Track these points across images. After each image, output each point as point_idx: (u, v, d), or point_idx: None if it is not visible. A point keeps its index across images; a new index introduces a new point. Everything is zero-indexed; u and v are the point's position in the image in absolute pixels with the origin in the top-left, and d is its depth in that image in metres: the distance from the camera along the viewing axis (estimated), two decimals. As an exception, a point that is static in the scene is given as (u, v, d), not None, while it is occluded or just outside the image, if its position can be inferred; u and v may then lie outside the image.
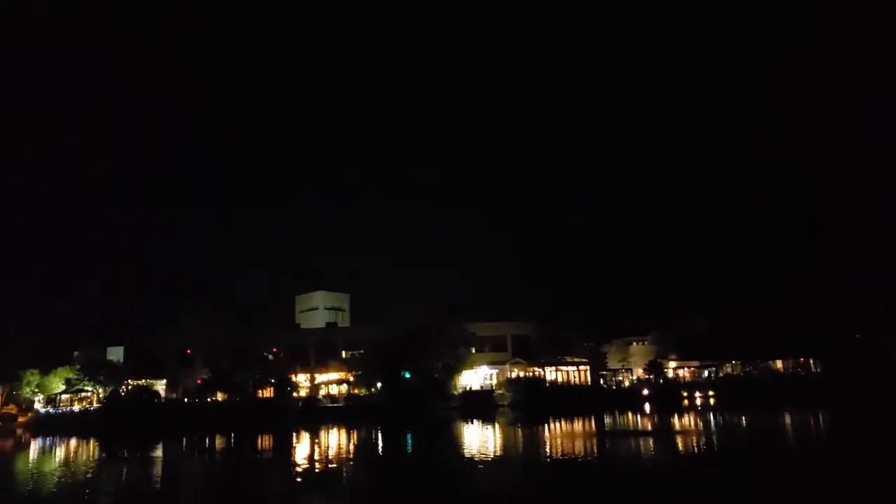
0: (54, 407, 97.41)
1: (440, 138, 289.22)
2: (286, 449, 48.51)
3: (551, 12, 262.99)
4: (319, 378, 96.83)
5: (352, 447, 47.24)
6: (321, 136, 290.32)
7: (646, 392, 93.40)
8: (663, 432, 48.56)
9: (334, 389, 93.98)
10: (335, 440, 52.74)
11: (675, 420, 59.52)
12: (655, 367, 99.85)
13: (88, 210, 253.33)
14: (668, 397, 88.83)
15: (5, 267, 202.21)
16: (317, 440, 52.99)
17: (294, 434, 59.48)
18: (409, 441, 51.15)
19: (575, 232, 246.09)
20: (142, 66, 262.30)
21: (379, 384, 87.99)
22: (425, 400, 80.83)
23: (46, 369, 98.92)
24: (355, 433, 58.05)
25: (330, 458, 39.96)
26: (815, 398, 73.55)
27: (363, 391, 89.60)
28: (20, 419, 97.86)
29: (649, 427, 55.14)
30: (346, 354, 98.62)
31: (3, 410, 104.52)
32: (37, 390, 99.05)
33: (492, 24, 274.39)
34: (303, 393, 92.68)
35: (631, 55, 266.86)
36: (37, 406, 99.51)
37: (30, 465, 45.32)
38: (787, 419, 55.37)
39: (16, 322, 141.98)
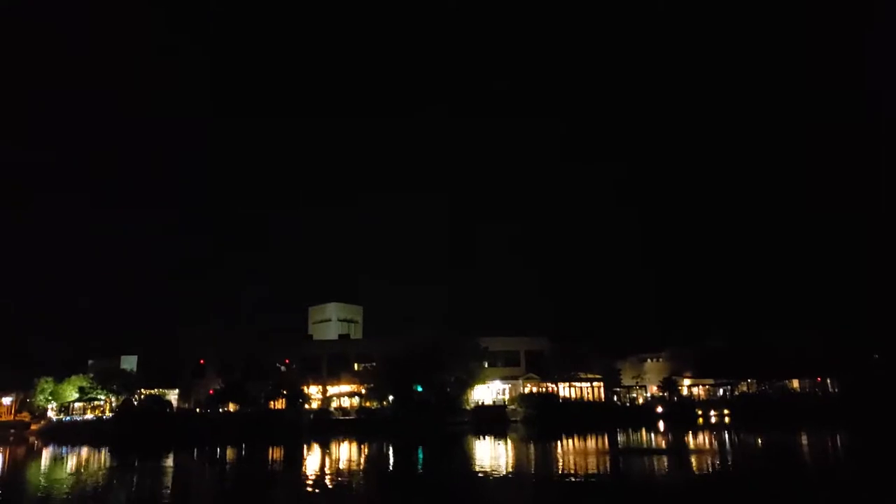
0: (67, 415, 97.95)
1: (441, 158, 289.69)
2: (297, 461, 48.30)
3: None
4: (331, 390, 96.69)
5: (363, 461, 46.93)
6: (329, 144, 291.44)
7: (660, 410, 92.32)
8: (678, 451, 47.86)
9: (346, 402, 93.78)
10: (346, 453, 52.45)
11: (690, 439, 58.68)
12: (670, 385, 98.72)
13: (93, 216, 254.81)
14: (683, 415, 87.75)
15: (17, 274, 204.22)
16: (328, 453, 52.73)
17: (305, 446, 59.27)
18: (421, 456, 50.76)
19: (585, 244, 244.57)
20: (140, 68, 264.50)
21: (391, 397, 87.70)
22: (437, 414, 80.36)
23: (60, 377, 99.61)
24: (366, 447, 57.72)
25: (341, 471, 39.69)
26: (833, 419, 72.33)
27: (375, 404, 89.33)
28: (33, 426, 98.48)
29: (663, 445, 54.40)
30: (358, 367, 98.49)
31: (17, 417, 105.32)
32: (50, 398, 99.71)
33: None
34: (315, 405, 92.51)
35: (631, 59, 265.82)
36: (50, 414, 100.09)
37: (41, 473, 45.42)
38: (804, 439, 54.41)
39: (31, 329, 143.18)
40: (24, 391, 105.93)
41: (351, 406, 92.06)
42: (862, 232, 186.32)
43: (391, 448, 56.78)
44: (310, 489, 32.20)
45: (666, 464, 40.25)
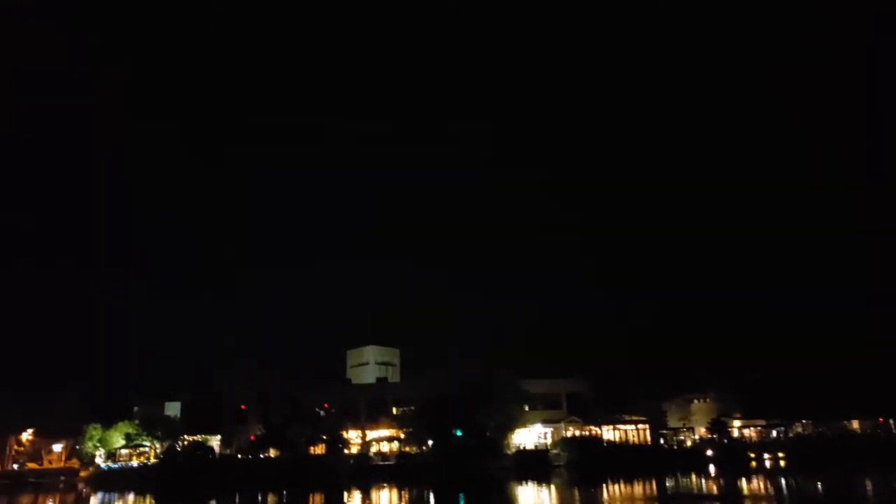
0: (114, 462, 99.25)
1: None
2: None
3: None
4: (371, 435, 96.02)
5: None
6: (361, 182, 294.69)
7: (710, 453, 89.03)
8: (730, 497, 45.95)
9: (385, 447, 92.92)
10: (386, 500, 51.78)
11: (743, 484, 56.30)
12: (719, 426, 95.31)
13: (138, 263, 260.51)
14: (735, 459, 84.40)
15: (67, 322, 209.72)
16: (368, 500, 52.16)
17: (346, 493, 58.80)
18: (462, 502, 49.77)
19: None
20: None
21: (430, 442, 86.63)
22: (478, 459, 78.96)
23: (108, 424, 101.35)
24: (407, 493, 56.95)
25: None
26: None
27: (414, 449, 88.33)
28: (82, 473, 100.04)
29: (715, 491, 52.32)
30: (396, 411, 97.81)
31: (66, 465, 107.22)
32: (98, 445, 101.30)
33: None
34: (354, 450, 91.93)
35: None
36: (98, 460, 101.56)
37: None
38: (867, 485, 51.67)
39: (79, 377, 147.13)
40: (74, 437, 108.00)
41: (390, 451, 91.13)
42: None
43: (432, 495, 55.87)
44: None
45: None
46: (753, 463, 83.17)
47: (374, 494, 56.09)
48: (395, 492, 58.20)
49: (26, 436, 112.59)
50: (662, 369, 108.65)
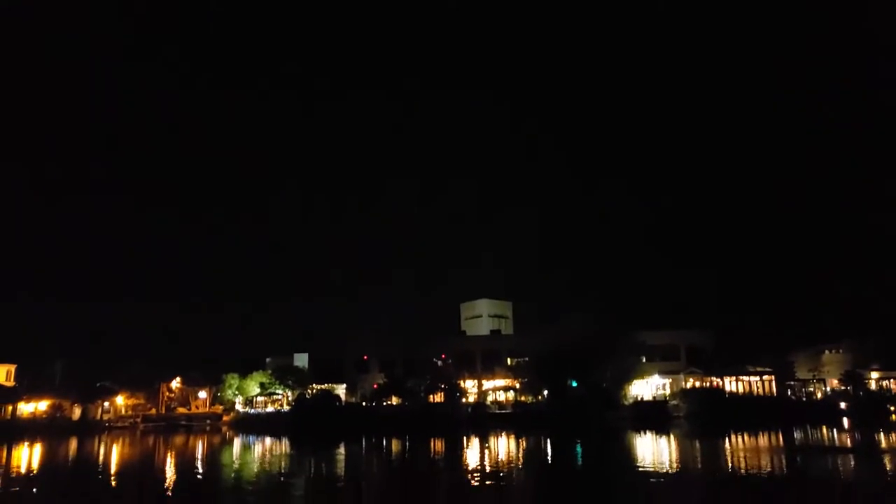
0: (252, 408, 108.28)
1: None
2: (457, 453, 49.98)
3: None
4: (486, 385, 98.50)
5: (521, 454, 47.54)
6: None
7: (843, 405, 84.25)
8: (867, 450, 43.61)
9: (501, 396, 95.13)
10: (504, 447, 53.38)
11: (881, 437, 53.12)
12: (853, 378, 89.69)
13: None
14: (872, 412, 79.36)
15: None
16: (486, 446, 54.00)
17: (465, 438, 61.09)
18: (579, 451, 50.46)
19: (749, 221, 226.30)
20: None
21: (545, 392, 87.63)
22: (594, 410, 79.11)
23: (244, 373, 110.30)
24: (524, 440, 58.35)
25: (499, 464, 40.55)
26: None
27: (530, 399, 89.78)
28: (225, 418, 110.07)
29: (849, 444, 49.78)
30: (511, 362, 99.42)
31: (211, 409, 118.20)
32: (237, 392, 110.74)
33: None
34: (471, 399, 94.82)
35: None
36: (237, 406, 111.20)
37: (234, 458, 50.94)
38: None
39: (220, 333, 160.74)
40: (216, 385, 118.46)
41: (506, 400, 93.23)
42: None
43: (548, 443, 56.94)
44: (473, 481, 33.28)
45: (853, 464, 36.90)
46: (894, 416, 77.92)
47: (491, 441, 57.92)
48: (512, 439, 59.76)
49: (175, 383, 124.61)
50: (791, 319, 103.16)
